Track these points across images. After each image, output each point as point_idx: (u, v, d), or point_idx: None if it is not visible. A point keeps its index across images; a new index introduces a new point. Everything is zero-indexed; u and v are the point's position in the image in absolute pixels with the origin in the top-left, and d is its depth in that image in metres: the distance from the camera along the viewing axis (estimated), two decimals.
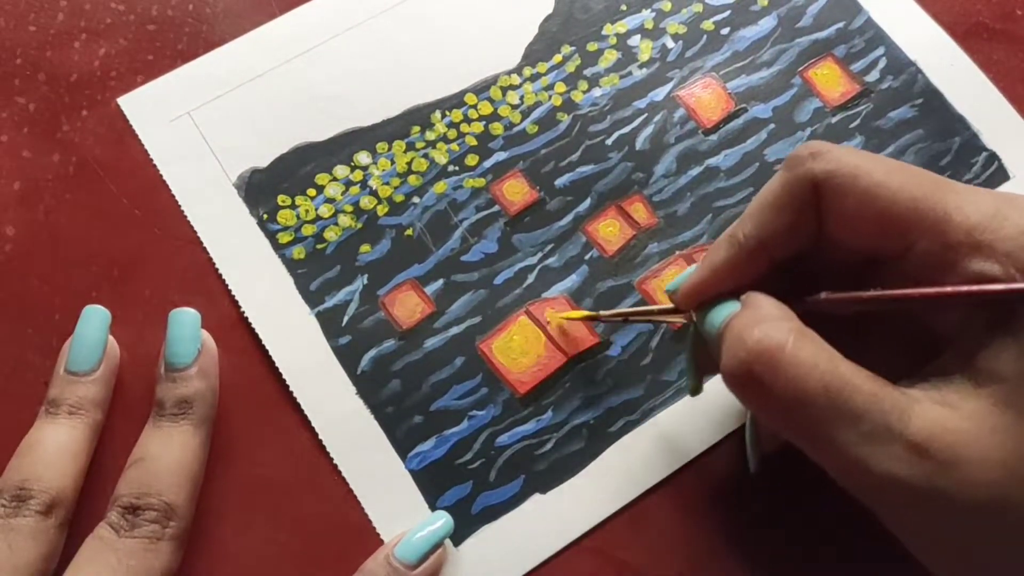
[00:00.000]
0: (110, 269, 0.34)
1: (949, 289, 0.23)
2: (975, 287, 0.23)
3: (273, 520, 0.31)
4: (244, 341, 0.33)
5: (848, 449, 0.23)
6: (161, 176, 0.35)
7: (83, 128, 0.36)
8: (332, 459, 0.32)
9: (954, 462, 0.22)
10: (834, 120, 0.38)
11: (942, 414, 0.23)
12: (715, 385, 0.33)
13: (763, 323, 0.24)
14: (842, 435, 0.23)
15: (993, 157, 0.37)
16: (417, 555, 0.29)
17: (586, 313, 0.34)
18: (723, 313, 0.26)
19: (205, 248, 0.34)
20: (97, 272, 0.34)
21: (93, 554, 0.28)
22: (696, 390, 0.31)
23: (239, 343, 0.33)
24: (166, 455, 0.29)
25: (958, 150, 0.37)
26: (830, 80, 0.38)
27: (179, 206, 0.35)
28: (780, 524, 0.32)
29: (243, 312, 0.33)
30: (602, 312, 0.33)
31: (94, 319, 0.32)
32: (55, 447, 0.29)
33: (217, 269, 0.34)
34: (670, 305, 0.30)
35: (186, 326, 0.32)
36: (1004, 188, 0.36)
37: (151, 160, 0.36)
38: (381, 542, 0.31)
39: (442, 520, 0.30)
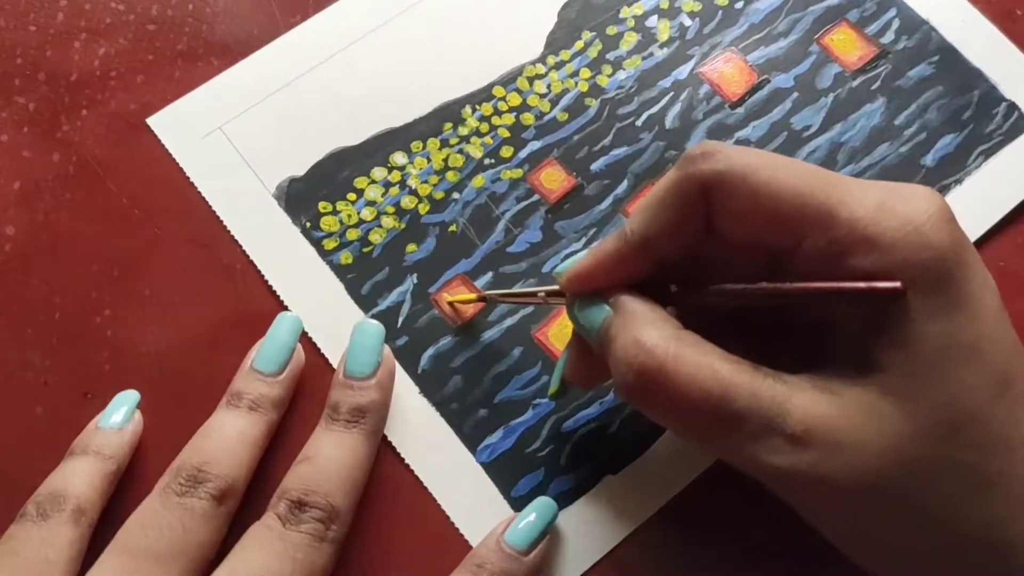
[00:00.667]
0: (110, 269, 0.34)
1: (820, 285, 0.24)
2: (842, 284, 0.23)
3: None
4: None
5: (737, 449, 0.24)
6: (161, 176, 0.35)
7: (83, 128, 0.36)
8: (403, 459, 0.32)
9: (835, 448, 0.23)
10: (855, 84, 0.38)
11: (823, 401, 0.24)
12: None
13: (640, 335, 0.25)
14: (729, 437, 0.24)
15: (1013, 107, 0.38)
16: (526, 542, 0.30)
17: (473, 296, 0.34)
18: (598, 316, 0.27)
19: (205, 247, 0.35)
20: (97, 272, 0.34)
21: (261, 541, 0.28)
22: (557, 394, 0.31)
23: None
24: (337, 457, 0.29)
25: (978, 103, 0.38)
26: (847, 45, 0.39)
27: (180, 205, 0.35)
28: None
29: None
30: (489, 292, 0.33)
31: (286, 325, 0.32)
32: (235, 434, 0.30)
33: (215, 270, 0.34)
34: (548, 288, 0.30)
35: (370, 336, 0.32)
36: None
37: (152, 160, 0.36)
38: (462, 537, 0.31)
39: (546, 506, 0.31)
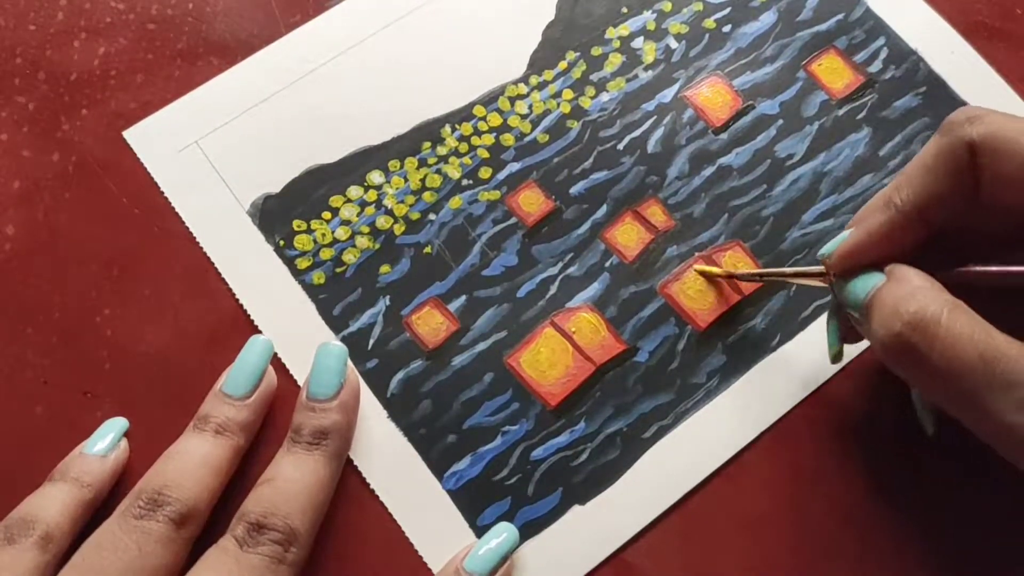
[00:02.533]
0: (110, 268, 0.34)
1: None
2: None
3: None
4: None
5: (1002, 416, 0.24)
6: None
7: (83, 127, 0.36)
8: (368, 484, 0.32)
9: None
10: (841, 112, 0.38)
11: None
12: (745, 386, 0.34)
13: (917, 295, 0.25)
14: (997, 402, 0.24)
15: None
16: (486, 568, 0.30)
17: (724, 271, 0.34)
18: (868, 284, 0.27)
19: (205, 250, 0.34)
20: (97, 271, 0.34)
21: (215, 564, 0.28)
22: (837, 357, 0.31)
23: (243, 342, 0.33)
24: (297, 479, 0.29)
25: None
26: (834, 72, 0.39)
27: None
28: (786, 524, 0.32)
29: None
30: (739, 271, 0.34)
31: (257, 348, 0.32)
32: (199, 458, 0.29)
33: (218, 269, 0.34)
34: (809, 268, 0.31)
35: (333, 358, 0.31)
36: None
37: None
38: (426, 565, 0.31)
39: (506, 532, 0.30)
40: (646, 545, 0.32)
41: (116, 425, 0.32)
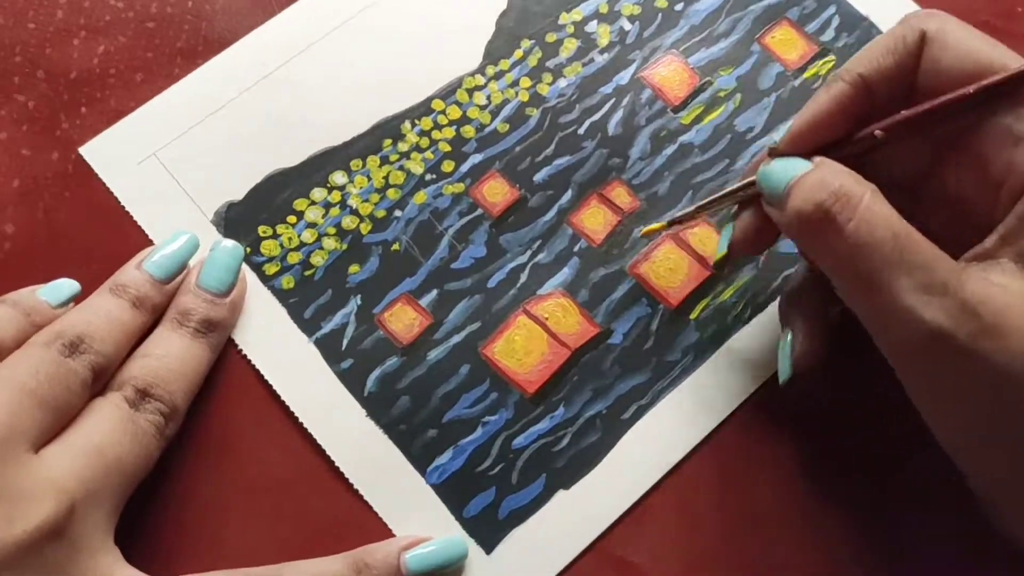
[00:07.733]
0: (110, 267, 0.33)
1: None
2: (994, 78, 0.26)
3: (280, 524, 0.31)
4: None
5: (903, 296, 0.25)
6: None
7: (82, 126, 0.36)
8: (352, 485, 0.32)
9: (999, 328, 0.24)
10: (796, 83, 0.38)
11: (991, 288, 0.25)
12: (720, 360, 0.34)
13: (843, 176, 0.27)
14: (901, 281, 0.25)
15: None
16: (420, 568, 0.30)
17: (664, 223, 0.34)
18: (795, 167, 0.28)
19: None
20: (96, 270, 0.33)
21: (110, 415, 0.29)
22: (721, 263, 0.31)
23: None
24: (185, 360, 0.31)
25: None
26: (787, 44, 0.39)
27: None
28: (783, 517, 0.32)
29: (240, 350, 0.33)
30: (678, 215, 0.34)
31: (186, 243, 0.33)
32: (120, 323, 0.30)
33: None
34: (738, 184, 0.31)
35: (231, 256, 0.33)
36: None
37: None
38: None
39: (454, 547, 0.31)
40: (646, 542, 0.32)
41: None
